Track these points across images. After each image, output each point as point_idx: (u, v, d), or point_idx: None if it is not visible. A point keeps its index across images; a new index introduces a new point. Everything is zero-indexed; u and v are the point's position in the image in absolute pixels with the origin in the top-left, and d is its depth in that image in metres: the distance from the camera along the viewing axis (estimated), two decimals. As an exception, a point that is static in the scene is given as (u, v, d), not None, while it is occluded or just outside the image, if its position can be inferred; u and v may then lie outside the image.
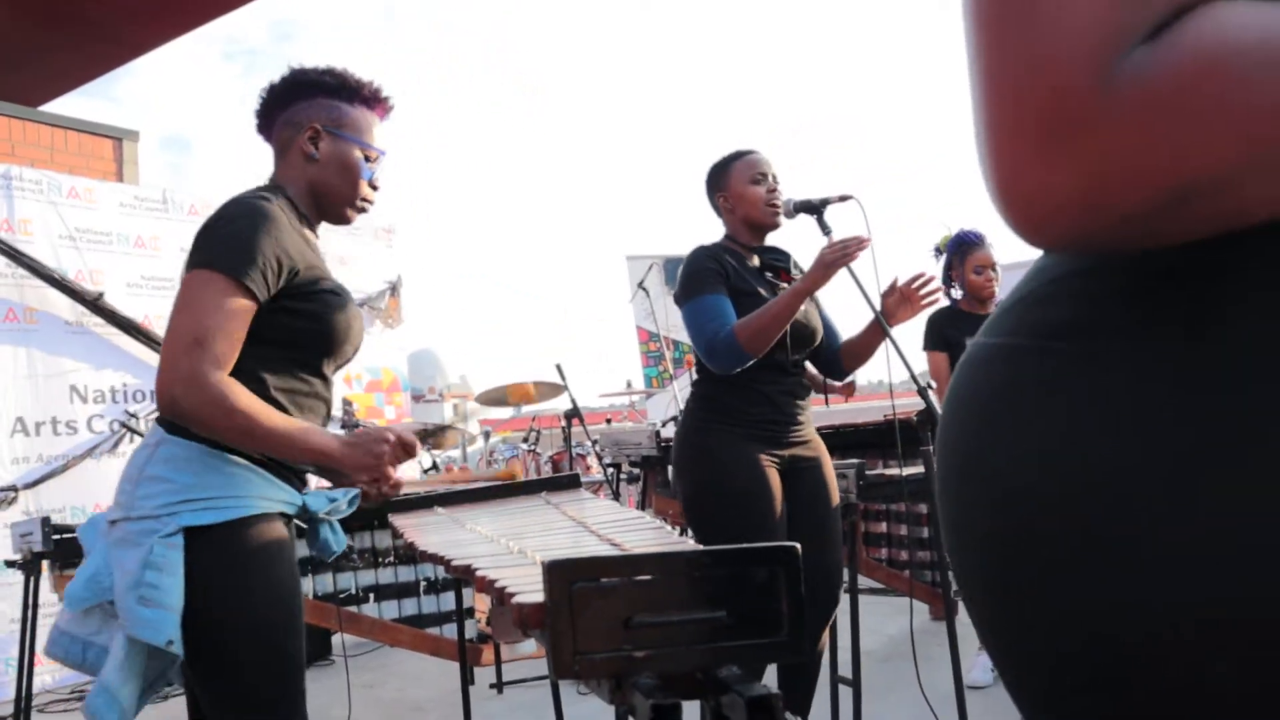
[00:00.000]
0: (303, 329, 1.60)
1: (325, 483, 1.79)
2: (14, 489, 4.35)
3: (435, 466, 4.97)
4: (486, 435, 5.23)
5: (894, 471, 2.77)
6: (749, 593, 0.84)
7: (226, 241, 1.50)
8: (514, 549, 1.29)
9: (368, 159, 1.70)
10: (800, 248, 2.48)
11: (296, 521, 1.69)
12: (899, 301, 2.53)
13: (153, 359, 4.88)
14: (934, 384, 3.55)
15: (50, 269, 4.55)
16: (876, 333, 2.64)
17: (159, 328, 4.89)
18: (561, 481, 2.41)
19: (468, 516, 1.98)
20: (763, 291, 2.48)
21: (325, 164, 1.68)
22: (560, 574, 0.79)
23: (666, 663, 0.81)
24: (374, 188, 1.74)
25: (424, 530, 1.75)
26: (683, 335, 6.88)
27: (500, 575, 1.03)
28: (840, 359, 2.73)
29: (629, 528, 1.43)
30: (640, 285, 5.50)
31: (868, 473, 2.74)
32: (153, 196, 5.07)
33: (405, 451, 1.57)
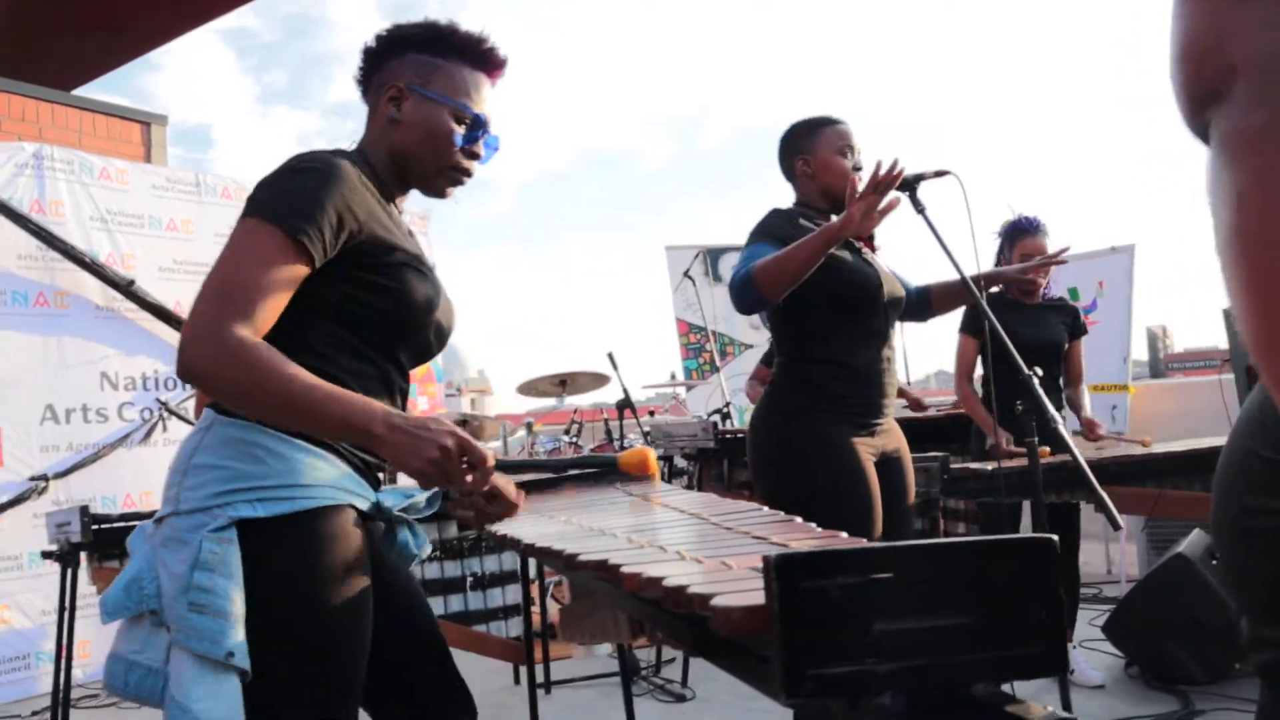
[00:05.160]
0: (372, 305, 1.39)
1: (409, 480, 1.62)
2: (45, 478, 4.24)
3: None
4: (529, 427, 5.09)
5: (981, 465, 2.62)
6: (999, 594, 0.69)
7: (283, 191, 1.32)
8: (641, 543, 1.14)
9: (460, 121, 1.49)
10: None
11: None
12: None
13: (185, 346, 4.76)
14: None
15: (82, 252, 4.43)
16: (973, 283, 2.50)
17: (191, 314, 4.77)
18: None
19: (546, 508, 1.83)
20: (842, 253, 2.30)
21: (407, 126, 1.48)
22: (788, 571, 0.64)
23: (914, 678, 0.66)
24: (473, 155, 1.52)
25: (511, 523, 1.61)
26: (726, 326, 6.77)
27: (661, 572, 0.88)
28: (928, 300, 2.56)
29: (756, 520, 1.29)
30: (686, 274, 5.36)
31: (952, 466, 2.60)
32: (185, 179, 4.95)
33: (467, 466, 1.26)
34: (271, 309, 1.27)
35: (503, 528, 1.52)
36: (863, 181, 2.10)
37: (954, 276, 2.51)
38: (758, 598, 0.69)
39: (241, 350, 1.21)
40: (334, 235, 1.33)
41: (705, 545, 1.07)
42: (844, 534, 1.10)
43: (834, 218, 2.38)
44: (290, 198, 1.31)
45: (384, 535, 1.53)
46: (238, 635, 1.24)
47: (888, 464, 2.33)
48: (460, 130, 1.50)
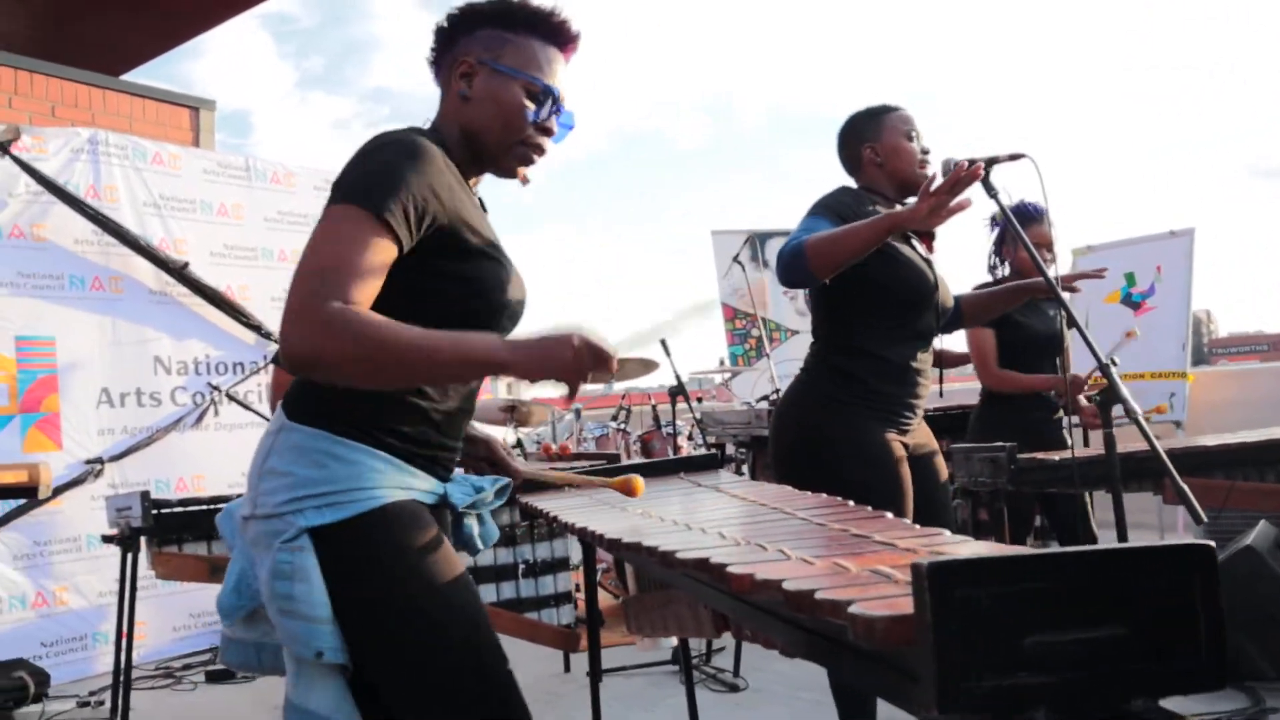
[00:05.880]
0: (443, 297, 1.35)
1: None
2: (100, 461, 4.29)
3: (520, 444, 4.82)
4: (578, 413, 5.06)
5: (1048, 455, 2.56)
6: (1157, 604, 0.66)
7: (366, 173, 1.29)
8: (736, 539, 1.11)
9: (532, 95, 1.44)
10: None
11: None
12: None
13: (236, 330, 4.79)
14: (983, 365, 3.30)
15: (137, 236, 4.47)
16: (1013, 296, 2.61)
17: (242, 299, 4.80)
18: (699, 461, 2.24)
19: (614, 499, 1.81)
20: (901, 247, 2.27)
21: (478, 102, 1.43)
22: (942, 579, 0.61)
23: (1068, 693, 0.63)
24: (546, 131, 1.47)
25: (586, 514, 1.59)
26: (774, 312, 6.71)
27: (772, 573, 0.85)
28: (959, 312, 2.55)
29: (846, 516, 1.25)
30: (735, 259, 5.31)
31: (1019, 456, 2.54)
32: (235, 164, 4.97)
33: (597, 361, 1.27)
34: (367, 290, 1.24)
35: (579, 521, 1.50)
36: (936, 179, 2.05)
37: (975, 289, 2.50)
38: (902, 605, 0.66)
39: (345, 322, 1.19)
40: (418, 217, 1.29)
41: (805, 542, 1.04)
42: (946, 532, 1.06)
43: (898, 207, 2.33)
44: (373, 178, 1.27)
45: (451, 526, 1.52)
46: (327, 634, 1.27)
47: (920, 461, 2.30)
48: (532, 105, 1.45)
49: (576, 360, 1.26)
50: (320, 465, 1.30)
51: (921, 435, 2.35)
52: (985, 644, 0.61)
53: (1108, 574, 0.65)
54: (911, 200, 2.36)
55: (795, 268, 2.13)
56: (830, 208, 2.26)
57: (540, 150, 1.48)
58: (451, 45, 1.48)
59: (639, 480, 1.52)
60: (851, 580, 0.80)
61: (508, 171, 1.50)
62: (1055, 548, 3.07)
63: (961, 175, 1.97)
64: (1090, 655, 0.64)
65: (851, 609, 0.68)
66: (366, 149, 1.33)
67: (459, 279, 1.36)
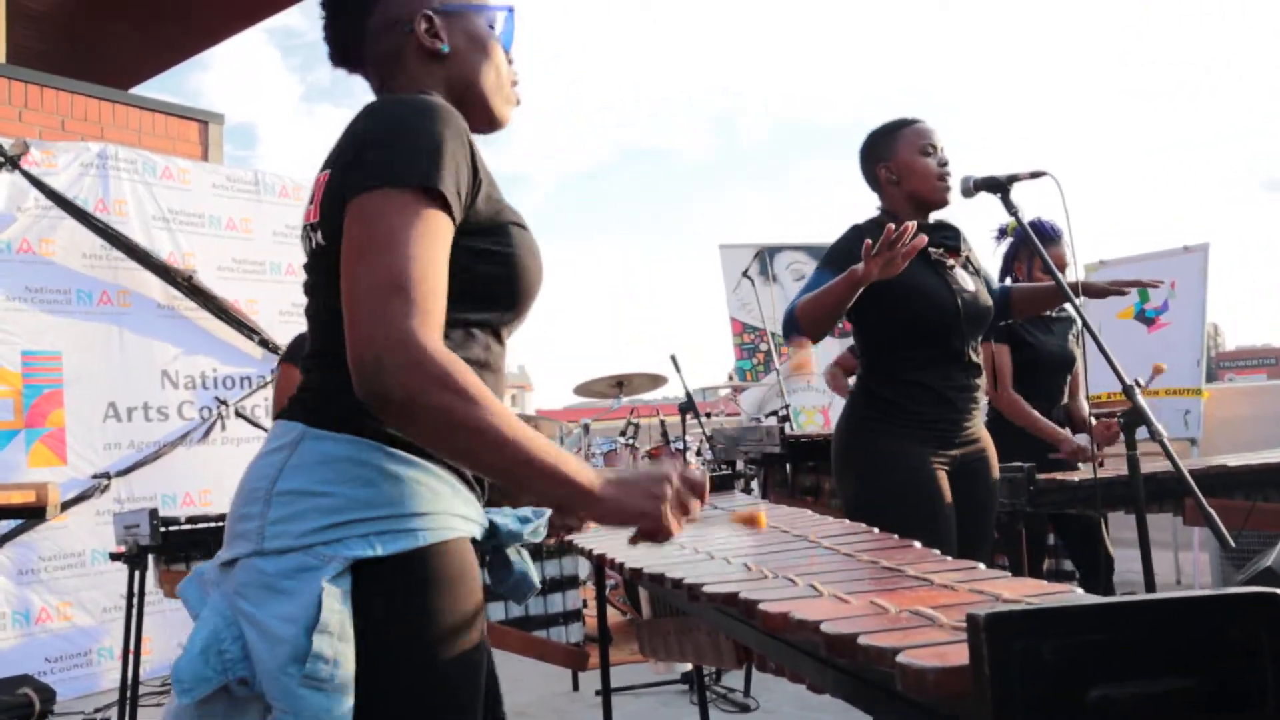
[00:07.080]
0: (487, 277, 1.13)
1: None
2: (107, 476, 4.26)
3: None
4: (586, 428, 5.02)
5: (1069, 476, 2.52)
6: (1223, 655, 0.62)
7: (404, 145, 1.06)
8: (763, 571, 1.08)
9: (492, 24, 1.26)
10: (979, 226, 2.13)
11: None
12: None
13: (243, 344, 4.77)
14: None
15: (146, 250, 4.45)
16: (1062, 293, 2.53)
17: (251, 313, 4.78)
18: (714, 482, 2.21)
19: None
20: (914, 278, 2.23)
21: (462, 53, 1.24)
22: (1002, 631, 0.58)
23: (1134, 751, 0.59)
24: (510, 61, 1.29)
25: (602, 539, 1.56)
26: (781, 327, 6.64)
27: (808, 612, 0.82)
28: (1008, 303, 2.52)
29: (873, 544, 1.22)
30: (745, 274, 5.29)
31: (1039, 477, 2.50)
32: (244, 178, 4.96)
33: (694, 493, 1.08)
34: (444, 295, 1.04)
35: (596, 547, 1.46)
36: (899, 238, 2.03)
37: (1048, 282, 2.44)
38: (951, 654, 0.63)
39: (449, 375, 0.98)
40: (469, 190, 1.10)
41: (835, 576, 1.01)
42: (980, 565, 1.03)
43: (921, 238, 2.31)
44: (415, 150, 1.06)
45: (498, 564, 1.31)
46: (348, 704, 1.01)
47: (970, 472, 2.26)
48: (496, 34, 1.28)
49: (674, 497, 1.06)
50: (368, 483, 1.04)
51: (975, 449, 2.30)
52: (1046, 698, 0.58)
53: (1172, 624, 0.62)
54: (935, 216, 2.33)
55: (791, 329, 2.22)
56: (833, 259, 2.28)
57: (517, 80, 1.32)
58: (369, 12, 1.25)
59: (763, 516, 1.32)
60: (893, 622, 0.76)
61: (502, 119, 1.31)
62: (1106, 593, 2.94)
63: (892, 236, 1.94)
64: (1155, 708, 0.60)
65: (900, 658, 0.64)
66: (384, 117, 1.12)
67: (491, 256, 1.15)
